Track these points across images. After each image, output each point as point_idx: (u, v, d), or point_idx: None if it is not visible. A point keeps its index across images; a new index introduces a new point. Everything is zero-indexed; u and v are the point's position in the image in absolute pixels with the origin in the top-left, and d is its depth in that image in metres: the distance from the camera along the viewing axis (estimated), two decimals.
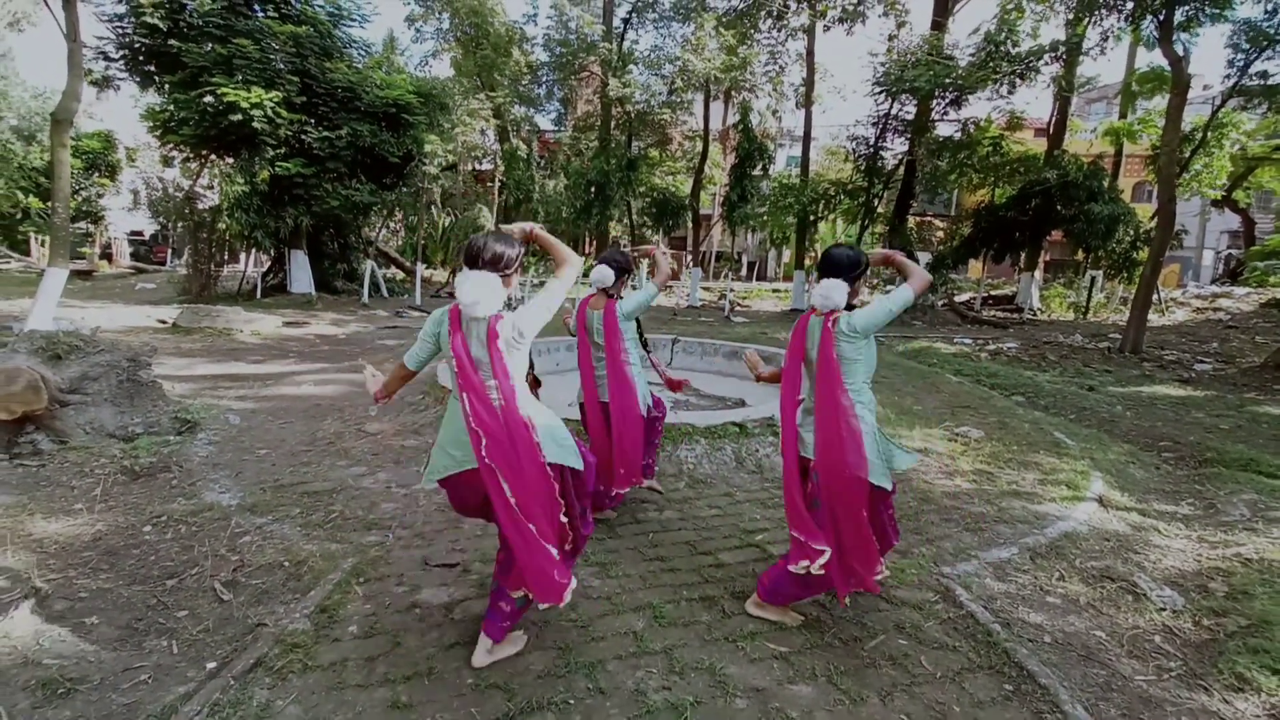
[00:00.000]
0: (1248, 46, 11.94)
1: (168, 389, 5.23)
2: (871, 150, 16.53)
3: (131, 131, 28.06)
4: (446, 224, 26.54)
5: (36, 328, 6.25)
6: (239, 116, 11.62)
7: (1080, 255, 17.01)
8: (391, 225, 26.55)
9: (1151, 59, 16.45)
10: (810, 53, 17.56)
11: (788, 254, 25.32)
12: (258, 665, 2.10)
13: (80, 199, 24.35)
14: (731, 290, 17.87)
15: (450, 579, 2.76)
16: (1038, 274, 18.23)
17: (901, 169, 16.35)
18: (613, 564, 2.90)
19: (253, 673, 2.07)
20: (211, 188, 15.56)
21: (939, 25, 14.71)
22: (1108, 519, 3.63)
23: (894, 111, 15.31)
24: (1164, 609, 2.74)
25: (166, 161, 18.06)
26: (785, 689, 2.08)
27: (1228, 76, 12.92)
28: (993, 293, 18.79)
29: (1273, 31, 11.49)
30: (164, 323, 10.19)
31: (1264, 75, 12.49)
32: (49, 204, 8.39)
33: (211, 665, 2.16)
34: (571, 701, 1.98)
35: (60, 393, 4.23)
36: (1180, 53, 10.16)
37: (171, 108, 12.43)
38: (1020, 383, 7.61)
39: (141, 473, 3.81)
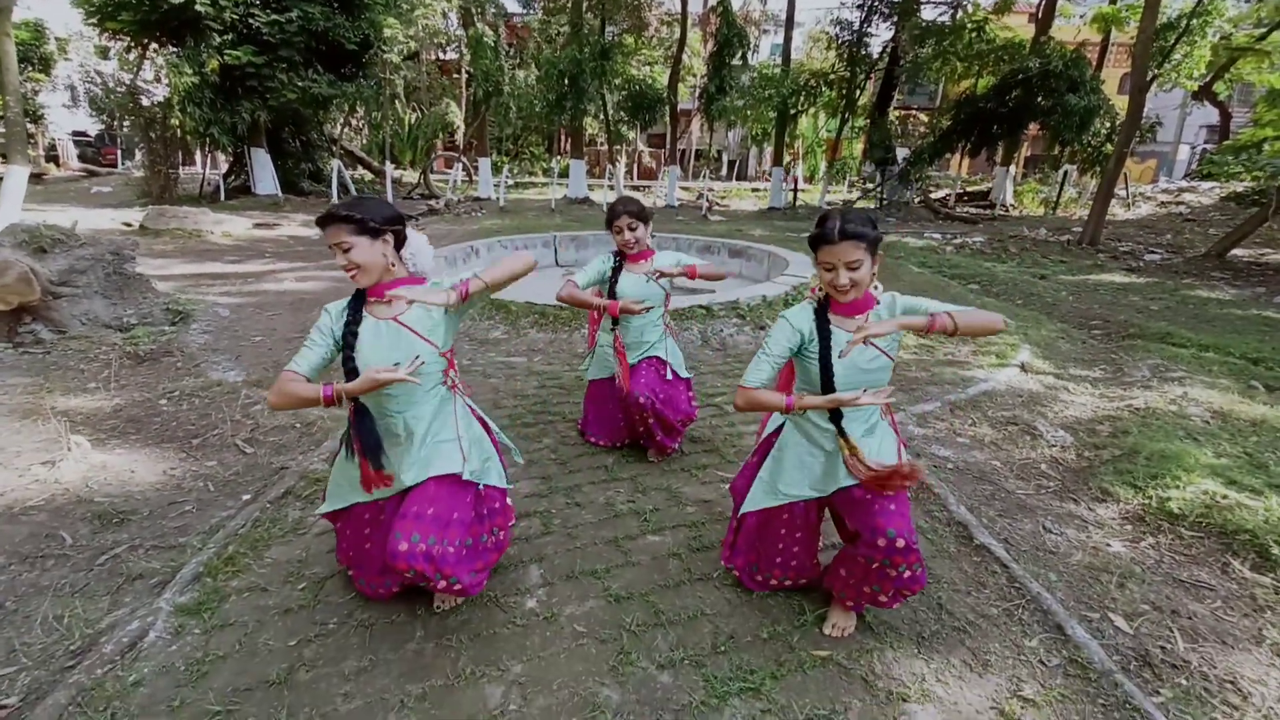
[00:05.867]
0: None
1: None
2: (855, 36, 15.93)
3: (62, 20, 25.59)
4: (413, 120, 25.25)
5: None
6: None
7: (1057, 150, 16.96)
8: (354, 122, 25.22)
9: None
10: None
11: (769, 151, 24.74)
12: (287, 494, 2.49)
13: None
14: (710, 189, 17.67)
15: None
16: (1014, 169, 18.21)
17: (885, 58, 15.85)
18: None
19: (284, 499, 2.47)
20: (157, 80, 14.57)
21: None
22: (1026, 381, 4.11)
23: None
24: (1054, 445, 3.25)
25: (103, 53, 16.68)
26: (728, 498, 2.53)
27: None
28: (968, 189, 18.81)
29: None
30: (129, 225, 9.99)
31: None
32: None
33: (246, 496, 2.55)
34: (553, 511, 2.42)
35: (51, 285, 4.37)
36: None
37: None
38: (978, 273, 8.00)
39: (145, 357, 4.06)
